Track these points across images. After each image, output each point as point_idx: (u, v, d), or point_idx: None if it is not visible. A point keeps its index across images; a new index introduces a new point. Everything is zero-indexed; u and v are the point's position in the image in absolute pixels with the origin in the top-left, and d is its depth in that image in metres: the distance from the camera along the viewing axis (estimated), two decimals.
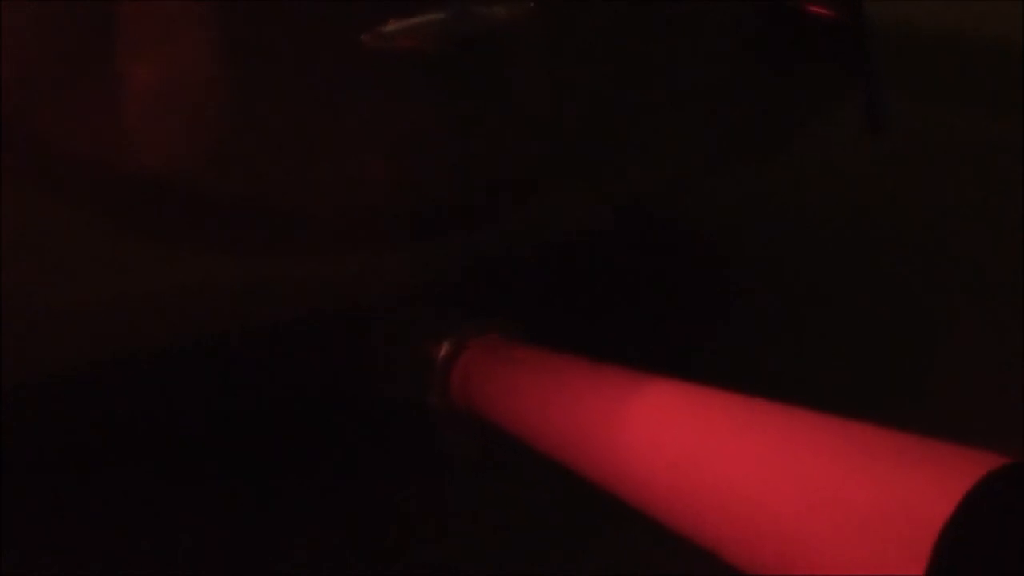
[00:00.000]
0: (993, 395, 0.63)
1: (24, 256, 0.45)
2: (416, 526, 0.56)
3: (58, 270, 0.47)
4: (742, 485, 0.34)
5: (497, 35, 0.51)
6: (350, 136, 0.51)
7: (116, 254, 0.48)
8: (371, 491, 0.57)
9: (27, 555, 0.52)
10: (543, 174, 0.58)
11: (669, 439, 0.36)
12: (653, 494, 0.36)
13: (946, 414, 0.56)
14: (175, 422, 0.59)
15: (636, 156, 0.61)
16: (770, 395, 0.38)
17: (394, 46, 0.47)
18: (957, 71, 1.01)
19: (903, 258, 0.78)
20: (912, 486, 0.31)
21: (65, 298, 0.48)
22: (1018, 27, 0.98)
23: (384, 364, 0.56)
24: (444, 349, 0.53)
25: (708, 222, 0.83)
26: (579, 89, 0.56)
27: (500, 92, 0.54)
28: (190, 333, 0.54)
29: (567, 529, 0.55)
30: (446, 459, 0.55)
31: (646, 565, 0.51)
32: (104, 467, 0.57)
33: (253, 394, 0.59)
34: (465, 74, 0.51)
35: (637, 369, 0.43)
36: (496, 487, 0.57)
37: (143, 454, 0.58)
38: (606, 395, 0.40)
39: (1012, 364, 0.65)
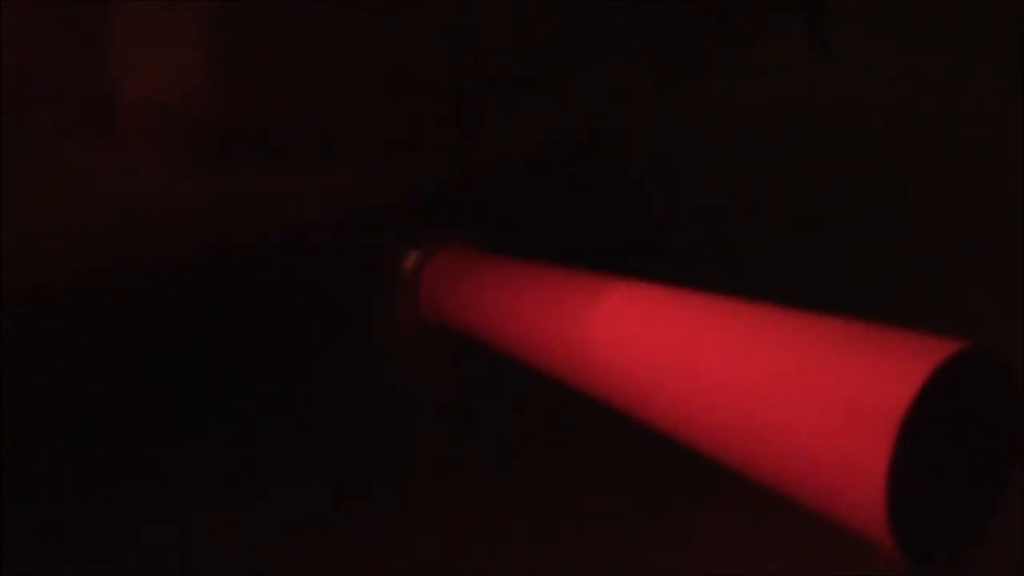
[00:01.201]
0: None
1: None
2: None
3: (19, 183, 0.47)
4: (721, 382, 0.34)
5: None
6: (328, 43, 0.50)
7: (84, 164, 0.48)
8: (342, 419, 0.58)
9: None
10: (518, 90, 0.58)
11: (649, 339, 0.36)
12: (635, 393, 0.36)
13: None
14: (146, 339, 0.59)
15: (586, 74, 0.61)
16: None
17: None
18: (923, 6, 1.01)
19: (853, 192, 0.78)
20: (875, 374, 0.32)
21: (28, 213, 0.48)
22: None
23: (351, 276, 0.56)
24: (411, 259, 0.53)
25: (656, 142, 0.83)
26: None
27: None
28: (158, 248, 0.53)
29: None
30: (416, 374, 0.56)
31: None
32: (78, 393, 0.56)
33: (223, 310, 0.59)
34: None
35: (612, 273, 0.43)
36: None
37: (117, 378, 0.57)
38: (586, 298, 0.40)
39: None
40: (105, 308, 0.57)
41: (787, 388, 0.31)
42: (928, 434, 0.33)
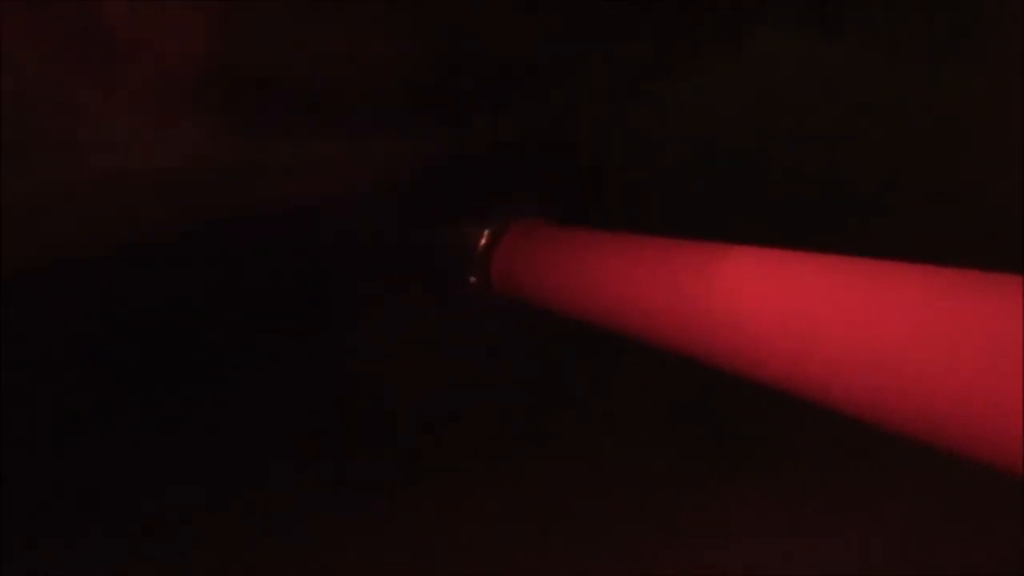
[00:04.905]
0: None
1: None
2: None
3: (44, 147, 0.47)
4: (844, 335, 0.36)
5: None
6: (371, 8, 0.50)
7: (112, 129, 0.47)
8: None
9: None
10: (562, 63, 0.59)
11: (762, 304, 0.37)
12: (773, 357, 0.37)
13: None
14: (180, 304, 0.57)
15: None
16: None
17: None
18: None
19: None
20: (1002, 315, 0.33)
21: (53, 178, 0.48)
22: None
23: (420, 248, 0.56)
24: (485, 231, 0.53)
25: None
26: None
27: None
28: (214, 213, 0.53)
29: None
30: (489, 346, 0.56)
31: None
32: (97, 358, 0.55)
33: (279, 276, 0.58)
34: None
35: (699, 239, 0.44)
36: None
37: (139, 341, 0.56)
38: (681, 266, 0.41)
39: None
40: (153, 270, 0.56)
41: (930, 337, 0.33)
42: None
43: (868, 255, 0.38)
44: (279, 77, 0.50)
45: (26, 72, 0.44)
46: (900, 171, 0.78)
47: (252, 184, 0.53)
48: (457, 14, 0.53)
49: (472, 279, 0.53)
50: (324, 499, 0.51)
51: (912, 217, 0.72)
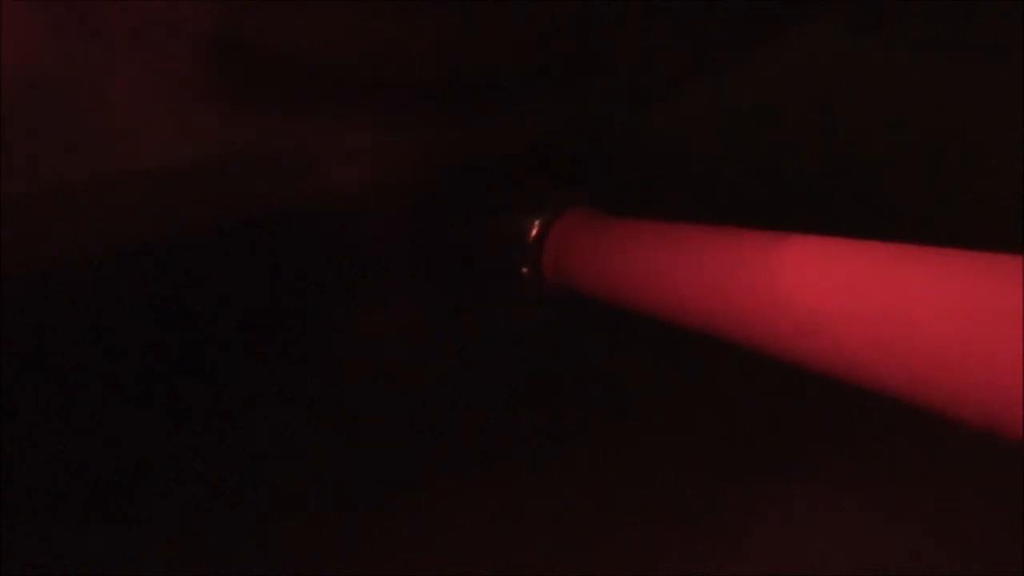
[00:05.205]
0: None
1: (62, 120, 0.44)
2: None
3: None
4: (900, 321, 0.35)
5: None
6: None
7: (165, 117, 0.47)
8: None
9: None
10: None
11: (828, 293, 0.37)
12: (809, 345, 0.37)
13: None
14: (237, 294, 0.57)
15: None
16: None
17: None
18: None
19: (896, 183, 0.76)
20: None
21: (98, 166, 0.47)
22: None
23: (469, 238, 0.56)
24: (536, 222, 0.52)
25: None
26: None
27: None
28: (264, 203, 0.52)
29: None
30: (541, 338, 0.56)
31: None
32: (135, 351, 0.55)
33: (326, 266, 0.58)
34: None
35: (755, 228, 0.44)
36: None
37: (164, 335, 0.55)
38: (745, 255, 0.41)
39: None
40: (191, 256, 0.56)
41: (1003, 327, 0.32)
42: None
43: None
44: (319, 66, 0.50)
45: (48, 60, 0.44)
46: (943, 170, 0.77)
47: (293, 175, 0.53)
48: (506, 9, 0.53)
49: (524, 270, 0.53)
50: (377, 496, 0.51)
51: (953, 215, 0.72)
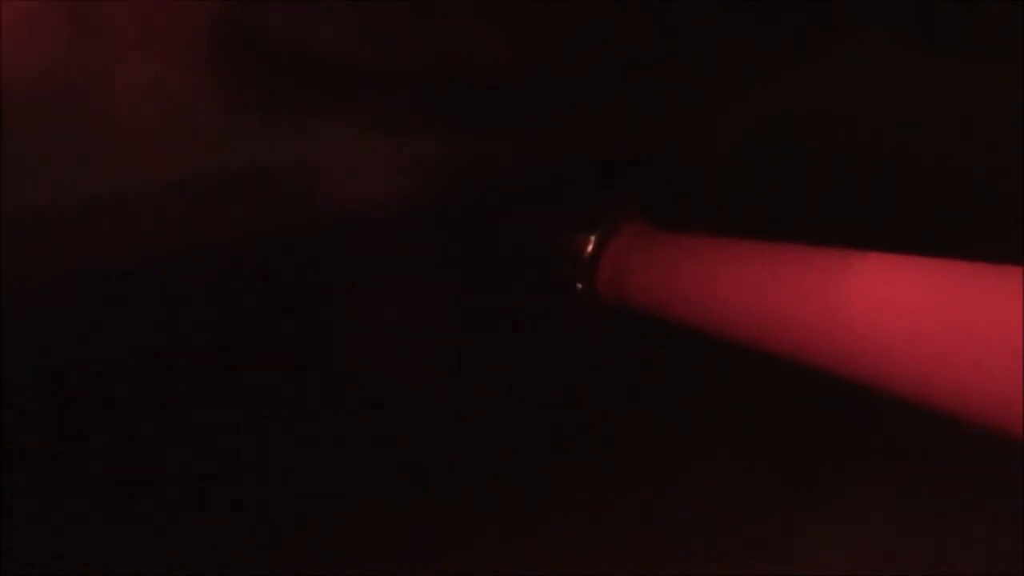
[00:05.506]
0: None
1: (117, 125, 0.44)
2: None
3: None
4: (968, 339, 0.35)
5: None
6: (473, 5, 0.50)
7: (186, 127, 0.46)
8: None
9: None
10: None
11: (899, 313, 0.37)
12: (889, 366, 0.37)
13: None
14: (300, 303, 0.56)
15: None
16: None
17: None
18: None
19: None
20: None
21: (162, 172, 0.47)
22: None
23: (525, 254, 0.56)
24: (592, 237, 0.52)
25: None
26: None
27: None
28: (316, 213, 0.52)
29: None
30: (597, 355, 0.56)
31: None
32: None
33: (363, 279, 0.58)
34: None
35: (821, 246, 0.43)
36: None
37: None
38: (811, 274, 0.40)
39: None
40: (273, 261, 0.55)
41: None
42: None
43: None
44: (381, 74, 0.50)
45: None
46: (1000, 187, 0.76)
47: (356, 183, 0.53)
48: (560, 15, 0.52)
49: (579, 285, 0.53)
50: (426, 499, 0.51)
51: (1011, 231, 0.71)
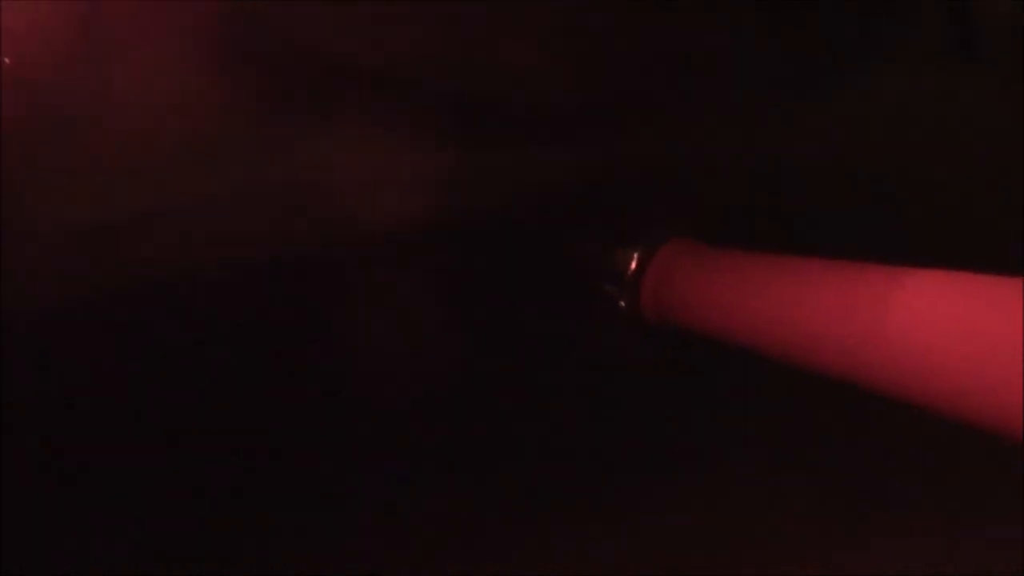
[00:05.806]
0: None
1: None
2: None
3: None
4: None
5: None
6: (529, 23, 0.50)
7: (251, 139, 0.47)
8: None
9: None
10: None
11: (944, 330, 0.37)
12: (939, 382, 0.37)
13: None
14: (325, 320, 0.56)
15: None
16: None
17: None
18: None
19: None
20: None
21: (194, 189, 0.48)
22: None
23: (570, 271, 0.56)
24: (635, 254, 0.52)
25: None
26: None
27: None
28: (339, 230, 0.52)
29: None
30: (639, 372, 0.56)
31: None
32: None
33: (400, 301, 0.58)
34: None
35: (863, 261, 0.43)
36: None
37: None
38: (852, 289, 0.40)
39: None
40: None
41: None
42: None
43: None
44: (409, 87, 0.50)
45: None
46: None
47: (383, 198, 0.53)
48: (604, 34, 0.53)
49: (621, 303, 0.53)
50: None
51: None
